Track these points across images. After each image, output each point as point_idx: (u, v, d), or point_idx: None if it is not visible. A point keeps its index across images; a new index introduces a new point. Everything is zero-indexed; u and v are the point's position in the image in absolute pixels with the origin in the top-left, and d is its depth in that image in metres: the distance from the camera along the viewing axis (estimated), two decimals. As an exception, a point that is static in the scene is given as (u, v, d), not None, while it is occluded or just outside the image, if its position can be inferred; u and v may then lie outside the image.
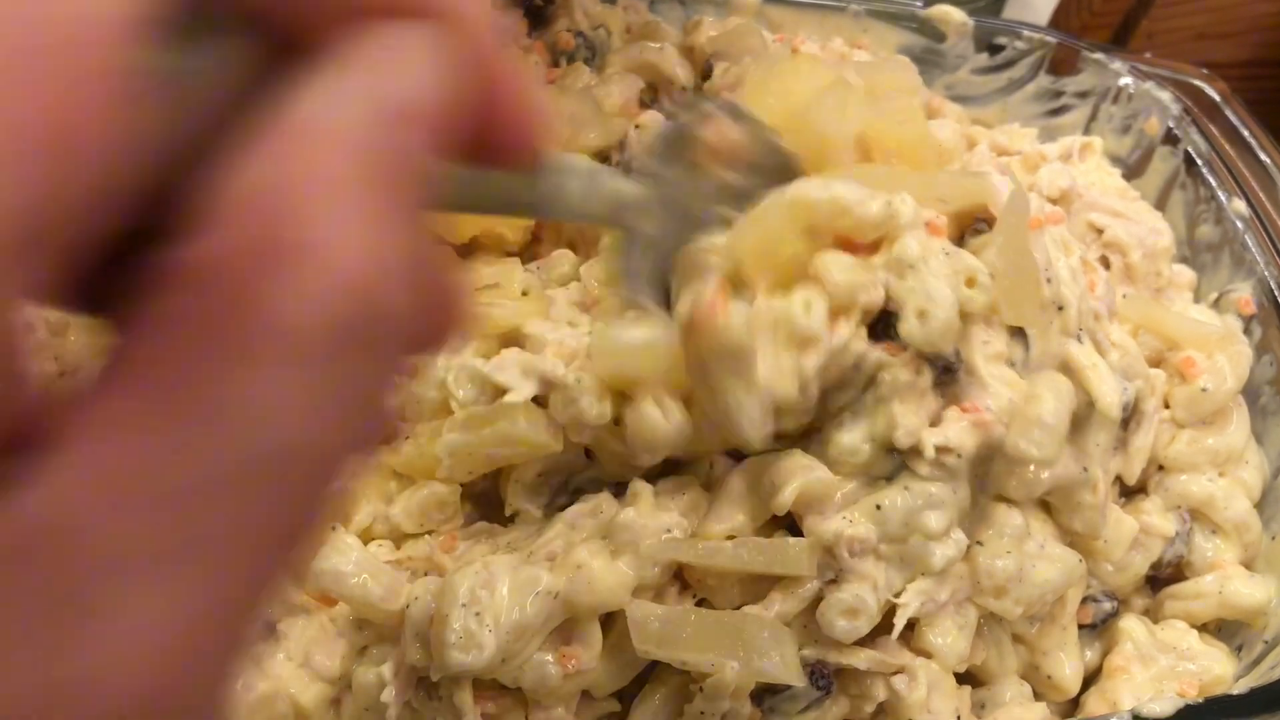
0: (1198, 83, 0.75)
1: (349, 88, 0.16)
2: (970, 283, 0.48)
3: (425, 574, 0.48)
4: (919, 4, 0.82)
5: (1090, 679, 0.55)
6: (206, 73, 0.17)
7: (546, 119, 0.21)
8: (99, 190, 0.14)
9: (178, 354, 0.15)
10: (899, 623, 0.48)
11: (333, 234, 0.15)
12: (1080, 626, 0.56)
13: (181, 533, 0.15)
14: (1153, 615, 0.58)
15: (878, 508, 0.47)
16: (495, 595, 0.43)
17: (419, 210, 0.17)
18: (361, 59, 0.17)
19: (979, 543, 0.50)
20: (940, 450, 0.47)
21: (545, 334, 0.52)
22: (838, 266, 0.46)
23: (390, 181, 0.16)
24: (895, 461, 0.49)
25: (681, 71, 0.71)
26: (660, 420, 0.47)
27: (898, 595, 0.48)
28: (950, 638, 0.50)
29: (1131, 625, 0.56)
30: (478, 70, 0.18)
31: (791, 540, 0.48)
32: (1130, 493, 0.59)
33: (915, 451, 0.48)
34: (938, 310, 0.46)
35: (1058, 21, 0.94)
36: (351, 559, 0.44)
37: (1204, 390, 0.59)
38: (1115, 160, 0.78)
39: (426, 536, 0.49)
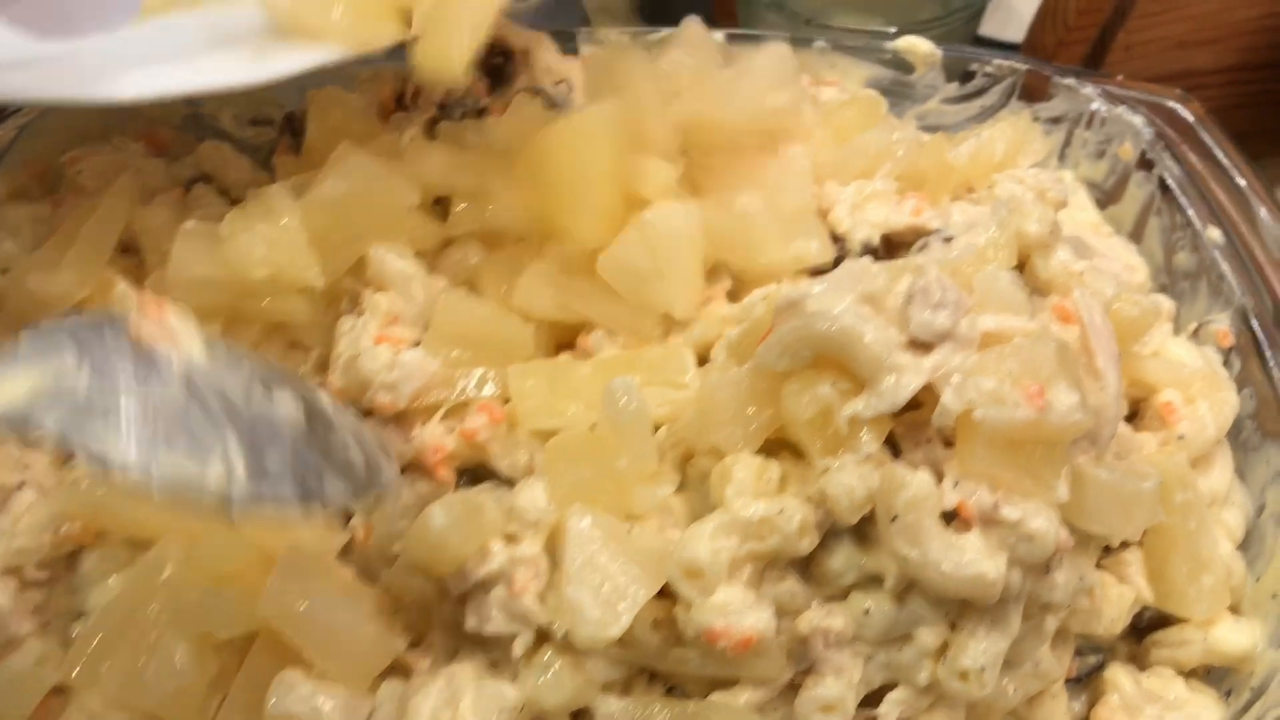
0: (1171, 104, 0.73)
1: None
2: None
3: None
4: (891, 30, 0.80)
5: (1078, 730, 0.55)
6: None
7: None
8: None
9: None
10: None
11: None
12: (1066, 680, 0.55)
13: None
14: (1139, 662, 0.57)
15: (866, 612, 0.46)
16: (458, 714, 0.43)
17: None
18: None
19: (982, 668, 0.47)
20: None
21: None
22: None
23: None
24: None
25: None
26: None
27: (876, 703, 0.47)
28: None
29: (1117, 676, 0.55)
30: None
31: None
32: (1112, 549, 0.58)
33: None
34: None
35: (1033, 37, 0.93)
36: (301, 695, 0.43)
37: (1181, 438, 0.57)
38: (1091, 186, 0.76)
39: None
